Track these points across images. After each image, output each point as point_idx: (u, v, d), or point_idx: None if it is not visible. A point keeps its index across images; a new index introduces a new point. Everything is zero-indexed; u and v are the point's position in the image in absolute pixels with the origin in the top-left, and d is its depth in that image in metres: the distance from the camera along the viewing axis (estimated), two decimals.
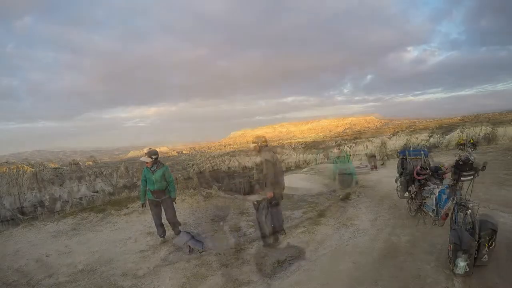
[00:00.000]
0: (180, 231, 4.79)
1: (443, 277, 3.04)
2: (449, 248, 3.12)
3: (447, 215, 3.86)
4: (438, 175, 4.12)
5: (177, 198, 6.89)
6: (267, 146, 4.98)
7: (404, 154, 5.07)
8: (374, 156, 14.59)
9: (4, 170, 50.07)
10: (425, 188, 4.44)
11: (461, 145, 15.70)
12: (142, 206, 5.01)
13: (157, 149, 5.10)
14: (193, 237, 4.54)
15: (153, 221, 4.91)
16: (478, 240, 3.02)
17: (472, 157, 3.52)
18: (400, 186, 4.87)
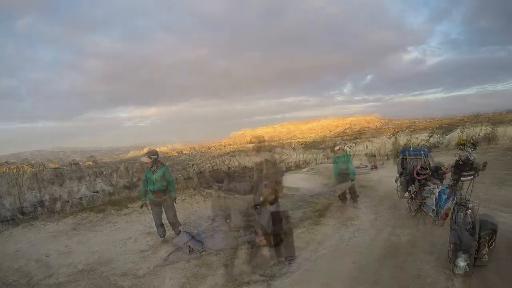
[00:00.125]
0: (180, 231, 4.80)
1: (443, 277, 3.04)
2: (449, 248, 3.13)
3: (447, 215, 3.86)
4: (438, 175, 4.12)
5: (177, 198, 6.87)
6: (265, 146, 4.97)
7: (404, 154, 5.08)
8: (374, 156, 14.60)
9: (4, 170, 50.08)
10: (425, 188, 4.44)
11: (461, 145, 15.70)
12: (142, 206, 5.00)
13: (157, 149, 5.10)
14: (193, 237, 4.54)
15: (153, 221, 4.91)
16: (478, 240, 3.02)
17: (472, 157, 3.52)
18: (400, 186, 4.88)
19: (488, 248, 3.06)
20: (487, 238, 3.06)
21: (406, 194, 4.82)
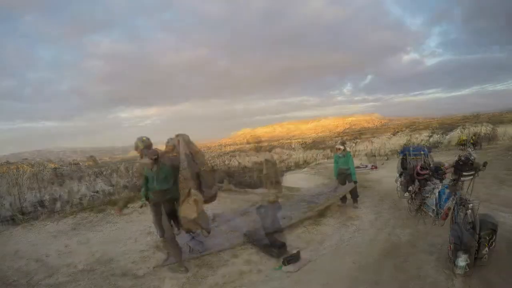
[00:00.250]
0: (180, 231, 4.78)
1: (443, 277, 3.04)
2: (449, 248, 3.13)
3: (447, 214, 3.87)
4: (438, 175, 4.12)
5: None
6: (263, 146, 5.00)
7: (404, 153, 5.08)
8: (374, 156, 14.60)
9: (4, 170, 50.07)
10: (425, 187, 4.44)
11: (461, 144, 15.69)
12: (141, 206, 4.98)
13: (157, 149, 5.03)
14: (193, 237, 4.53)
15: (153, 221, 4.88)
16: (478, 240, 3.03)
17: (472, 158, 3.53)
18: (400, 186, 4.88)
19: (488, 247, 3.06)
20: (487, 237, 3.06)
21: (406, 194, 4.82)
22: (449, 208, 3.92)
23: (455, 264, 3.05)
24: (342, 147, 5.91)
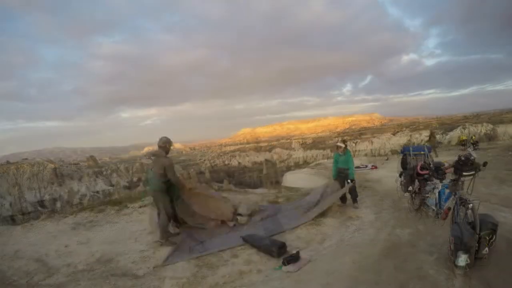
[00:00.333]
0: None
1: (443, 277, 3.03)
2: (449, 248, 3.14)
3: (447, 214, 3.89)
4: (439, 174, 4.12)
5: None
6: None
7: (406, 151, 5.08)
8: (374, 155, 14.58)
9: (5, 170, 50.10)
10: (426, 186, 4.46)
11: (462, 144, 15.67)
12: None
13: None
14: (198, 241, 4.55)
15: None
16: (478, 240, 3.03)
17: (472, 158, 3.53)
18: (401, 186, 4.88)
19: (489, 243, 3.07)
20: (487, 237, 3.06)
21: (407, 193, 4.82)
22: (449, 208, 3.93)
23: (455, 264, 3.05)
24: (343, 145, 5.87)
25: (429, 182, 4.47)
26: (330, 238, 4.48)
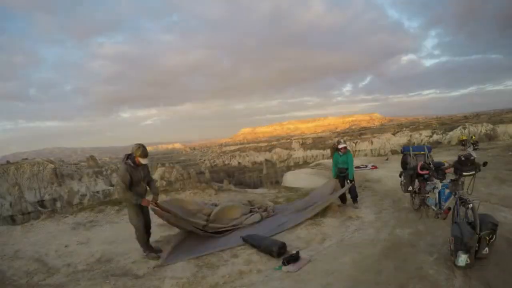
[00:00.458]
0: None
1: (443, 277, 3.03)
2: (450, 241, 3.14)
3: (449, 209, 3.91)
4: (439, 174, 4.13)
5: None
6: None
7: (406, 151, 5.09)
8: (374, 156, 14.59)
9: (5, 170, 50.10)
10: (428, 183, 4.47)
11: (462, 144, 15.66)
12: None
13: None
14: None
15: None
16: (479, 234, 3.03)
17: (473, 157, 3.54)
18: (404, 181, 4.89)
19: (489, 242, 3.08)
20: (488, 237, 3.07)
21: (410, 189, 4.84)
22: (449, 208, 3.94)
23: (455, 264, 3.05)
24: (345, 146, 5.88)
25: (429, 182, 4.48)
26: (330, 238, 4.48)
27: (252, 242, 4.35)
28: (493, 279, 2.90)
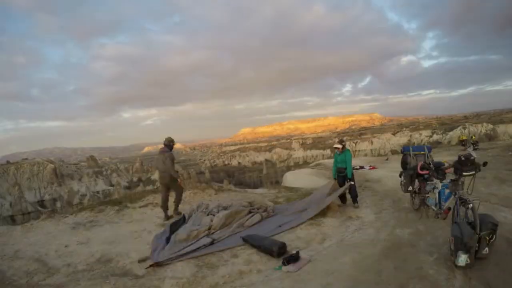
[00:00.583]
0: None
1: (443, 277, 3.03)
2: (450, 241, 3.14)
3: (449, 209, 3.91)
4: (439, 174, 4.13)
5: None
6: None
7: (406, 151, 5.09)
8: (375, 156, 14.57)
9: (5, 170, 50.13)
10: (428, 183, 4.47)
11: (462, 144, 15.64)
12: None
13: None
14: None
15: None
16: (479, 234, 3.03)
17: (473, 157, 3.54)
18: (404, 181, 4.89)
19: (489, 241, 3.09)
20: (487, 237, 3.07)
21: (410, 188, 4.84)
22: (449, 208, 3.94)
23: (455, 264, 3.05)
24: (340, 146, 5.87)
25: (429, 182, 4.48)
26: (330, 238, 4.48)
27: (252, 242, 4.35)
28: (493, 279, 2.90)
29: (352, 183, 5.84)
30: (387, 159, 16.00)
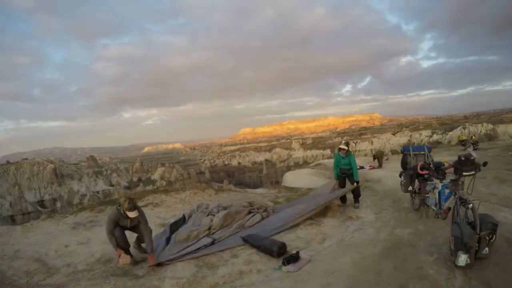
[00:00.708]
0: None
1: (443, 277, 3.02)
2: (450, 241, 3.14)
3: (449, 209, 3.91)
4: (439, 174, 4.13)
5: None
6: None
7: (406, 151, 5.09)
8: (376, 157, 14.57)
9: (5, 170, 50.13)
10: (428, 183, 4.47)
11: (462, 144, 15.64)
12: None
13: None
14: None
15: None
16: (479, 234, 3.03)
17: (473, 157, 3.54)
18: (404, 181, 4.89)
19: (489, 241, 3.08)
20: (487, 237, 3.07)
21: (410, 188, 4.84)
22: (449, 208, 3.94)
23: (455, 264, 3.05)
24: (346, 147, 5.88)
25: (429, 182, 4.47)
26: (330, 238, 4.48)
27: (252, 242, 4.35)
28: (493, 279, 2.90)
29: (360, 185, 5.87)
30: (387, 159, 16.00)
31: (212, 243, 4.56)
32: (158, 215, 6.33)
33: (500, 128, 64.78)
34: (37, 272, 4.03)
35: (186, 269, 3.84)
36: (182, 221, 5.50)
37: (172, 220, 5.70)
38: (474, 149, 13.13)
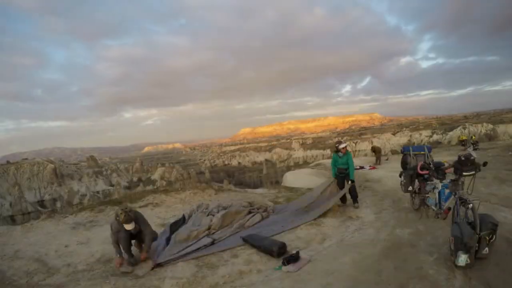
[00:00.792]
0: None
1: (443, 277, 3.03)
2: (450, 241, 3.14)
3: (449, 209, 3.91)
4: (439, 174, 4.13)
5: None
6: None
7: (406, 151, 5.09)
8: (376, 158, 14.58)
9: (5, 170, 50.14)
10: (428, 183, 4.47)
11: (462, 144, 15.64)
12: None
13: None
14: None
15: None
16: (479, 234, 3.03)
17: (473, 157, 3.54)
18: (404, 181, 4.89)
19: (489, 241, 3.08)
20: (487, 237, 3.07)
21: (410, 188, 4.84)
22: (449, 208, 3.94)
23: (455, 264, 3.05)
24: (344, 146, 5.89)
25: (429, 182, 4.47)
26: (330, 238, 4.48)
27: (252, 242, 4.35)
28: (493, 279, 2.90)
29: (353, 183, 5.86)
30: (387, 159, 16.00)
31: (212, 243, 4.56)
32: (158, 215, 6.33)
33: (500, 128, 64.79)
34: (37, 272, 4.03)
35: (186, 269, 3.84)
36: (182, 221, 5.50)
37: (172, 220, 5.70)
38: (474, 149, 13.13)
